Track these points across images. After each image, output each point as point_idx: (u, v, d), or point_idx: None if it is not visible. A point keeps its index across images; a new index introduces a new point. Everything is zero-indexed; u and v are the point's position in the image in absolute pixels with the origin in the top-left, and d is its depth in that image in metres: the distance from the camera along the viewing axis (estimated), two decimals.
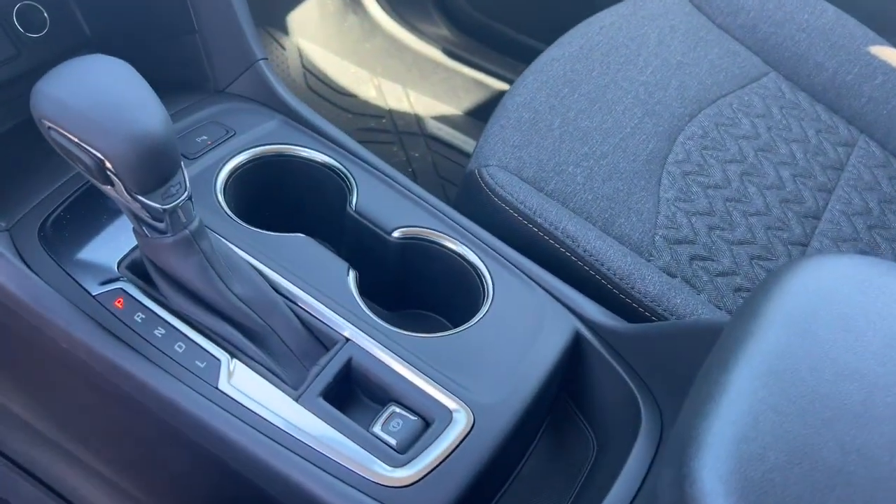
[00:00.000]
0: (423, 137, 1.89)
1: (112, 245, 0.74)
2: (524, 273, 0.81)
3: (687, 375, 0.68)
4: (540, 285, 0.80)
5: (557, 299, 0.79)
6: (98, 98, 0.56)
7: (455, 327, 0.77)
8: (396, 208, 0.84)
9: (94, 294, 0.70)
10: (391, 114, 1.92)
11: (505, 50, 1.82)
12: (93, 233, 0.75)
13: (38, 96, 0.56)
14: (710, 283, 0.96)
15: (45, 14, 0.90)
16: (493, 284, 0.79)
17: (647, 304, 0.84)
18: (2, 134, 0.87)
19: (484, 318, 0.75)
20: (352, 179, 0.85)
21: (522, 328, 0.75)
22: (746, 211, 1.05)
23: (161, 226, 0.63)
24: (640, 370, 0.75)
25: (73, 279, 0.71)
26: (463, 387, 0.70)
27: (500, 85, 1.84)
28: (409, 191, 0.86)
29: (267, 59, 0.91)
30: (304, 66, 1.89)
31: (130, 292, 0.71)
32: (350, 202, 0.84)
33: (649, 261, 0.95)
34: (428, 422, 0.68)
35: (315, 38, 1.91)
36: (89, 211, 0.76)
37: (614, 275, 0.85)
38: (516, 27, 1.77)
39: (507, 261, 0.82)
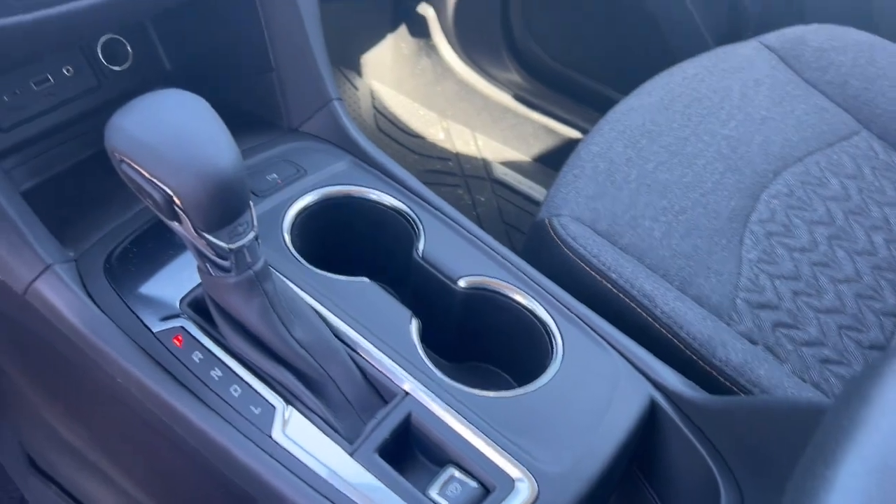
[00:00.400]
0: (490, 182, 1.87)
1: (175, 281, 0.73)
2: (596, 332, 0.77)
3: (774, 458, 0.62)
4: (613, 347, 0.75)
5: (632, 363, 0.74)
6: (170, 133, 0.55)
7: (520, 386, 0.72)
8: (464, 256, 0.81)
9: (153, 330, 0.69)
10: (458, 157, 1.91)
11: (577, 97, 1.79)
12: (157, 267, 0.74)
13: (111, 129, 0.56)
14: (794, 353, 0.89)
15: (129, 48, 0.92)
16: (562, 343, 0.74)
17: (728, 373, 0.78)
18: (78, 163, 0.88)
19: (553, 379, 0.71)
20: (419, 224, 0.83)
21: (593, 393, 0.71)
22: (835, 277, 0.98)
23: (226, 264, 0.61)
24: (721, 447, 0.69)
25: (134, 313, 0.70)
26: (527, 453, 0.65)
27: (571, 132, 1.81)
28: (477, 238, 0.83)
29: (341, 99, 0.90)
30: (374, 107, 1.90)
31: (190, 330, 0.69)
32: (416, 248, 0.81)
33: (729, 325, 0.89)
34: (488, 489, 0.63)
35: (387, 80, 1.92)
36: (156, 245, 0.76)
37: (693, 340, 0.80)
38: (590, 75, 1.75)
39: (578, 318, 0.77)
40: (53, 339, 0.73)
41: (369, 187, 0.85)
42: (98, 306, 0.70)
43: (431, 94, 1.93)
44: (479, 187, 1.85)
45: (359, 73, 1.89)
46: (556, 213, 0.93)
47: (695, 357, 0.79)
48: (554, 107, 1.83)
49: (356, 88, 1.88)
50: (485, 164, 1.90)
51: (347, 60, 1.87)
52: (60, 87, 0.87)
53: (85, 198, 0.82)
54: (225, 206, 0.57)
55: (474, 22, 1.84)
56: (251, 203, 0.60)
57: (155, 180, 0.55)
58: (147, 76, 0.94)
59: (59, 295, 0.68)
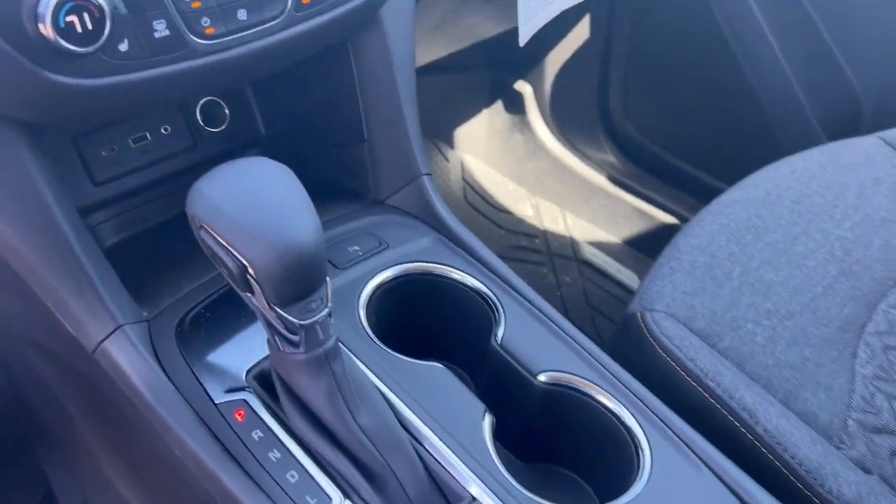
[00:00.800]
0: (576, 262, 1.82)
1: (245, 349, 0.71)
2: (688, 446, 0.69)
3: None
4: (706, 465, 0.68)
5: (727, 486, 0.66)
6: (251, 203, 0.53)
7: (600, 500, 0.65)
8: (546, 348, 0.75)
9: (216, 401, 0.66)
10: (545, 234, 1.86)
11: (674, 181, 1.73)
12: (228, 335, 0.72)
13: (194, 195, 0.55)
14: None
15: (227, 110, 0.93)
16: (650, 456, 0.67)
17: None
18: (165, 221, 0.88)
19: (637, 497, 0.64)
20: (500, 309, 0.78)
21: None
22: None
23: (295, 339, 0.59)
24: None
25: (200, 382, 0.68)
26: None
27: (665, 217, 1.74)
28: (562, 330, 0.78)
29: (430, 174, 0.87)
30: (464, 180, 1.89)
31: (253, 405, 0.66)
32: (496, 334, 0.76)
33: (839, 449, 0.79)
34: None
35: (479, 154, 1.92)
36: (229, 311, 0.74)
37: (800, 465, 0.71)
38: (689, 160, 1.69)
39: (669, 429, 0.70)
40: (118, 398, 0.71)
41: (451, 266, 0.82)
42: (164, 371, 0.68)
43: (522, 169, 1.91)
44: (565, 267, 1.80)
45: (451, 145, 1.89)
46: (650, 308, 0.87)
47: (800, 485, 0.70)
48: (648, 190, 1.77)
49: (447, 160, 1.88)
50: (572, 244, 1.84)
51: (440, 132, 1.88)
52: (156, 145, 0.88)
53: (166, 257, 0.82)
54: (300, 280, 0.55)
55: (571, 101, 1.82)
56: (328, 279, 0.57)
57: (231, 249, 0.53)
58: (242, 139, 0.95)
59: (127, 357, 0.67)
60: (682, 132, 1.68)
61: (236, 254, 0.53)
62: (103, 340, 0.67)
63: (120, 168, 0.85)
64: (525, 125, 1.90)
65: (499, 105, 1.92)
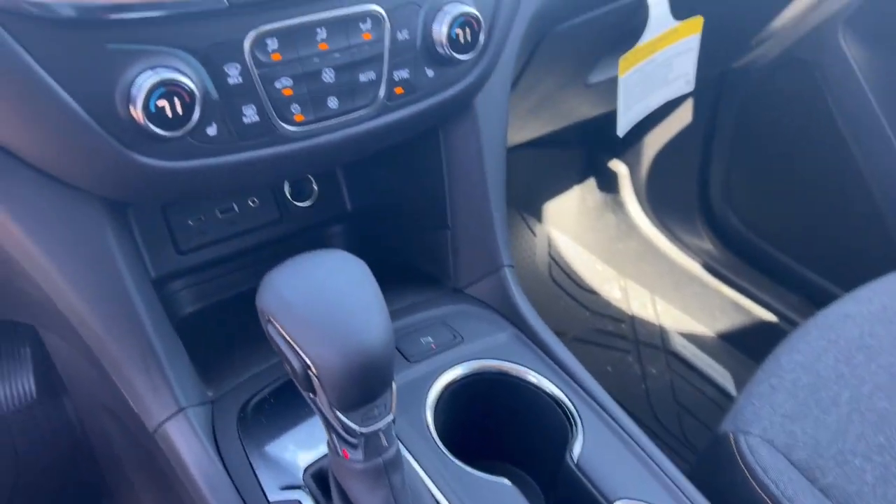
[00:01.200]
0: (665, 353, 1.72)
1: (305, 443, 0.68)
2: None
3: None
4: None
5: None
6: (322, 304, 0.51)
7: None
8: (625, 471, 0.69)
9: (270, 500, 0.63)
10: (633, 320, 1.79)
11: (776, 277, 1.63)
12: (290, 425, 0.69)
13: (265, 287, 0.53)
14: None
15: (315, 186, 0.92)
16: None
17: None
18: (242, 293, 0.88)
19: None
20: (578, 421, 0.73)
21: None
22: None
23: (354, 441, 0.55)
24: None
25: (256, 476, 0.65)
26: None
27: (765, 314, 1.63)
28: (643, 449, 0.71)
29: (513, 266, 0.84)
30: (550, 256, 1.84)
31: None
32: (571, 450, 0.71)
33: None
34: None
35: (568, 230, 1.87)
36: (294, 399, 0.71)
37: None
38: (794, 256, 1.59)
39: None
40: (174, 479, 0.69)
41: (528, 367, 0.77)
42: (222, 459, 0.66)
43: (612, 250, 1.85)
44: (652, 357, 1.71)
45: (539, 219, 1.86)
46: (745, 430, 0.79)
47: None
48: (747, 283, 1.67)
49: (534, 234, 1.84)
50: (661, 333, 1.76)
51: (529, 205, 1.85)
52: (243, 217, 0.88)
53: (239, 331, 0.81)
54: (363, 386, 0.52)
55: (669, 183, 1.76)
56: (394, 385, 0.54)
57: (297, 348, 0.51)
58: (327, 214, 0.94)
59: (186, 442, 0.65)
60: (787, 226, 1.59)
61: (301, 353, 0.51)
62: (164, 421, 0.66)
63: (205, 238, 0.86)
64: (618, 205, 1.84)
65: (591, 183, 1.88)
